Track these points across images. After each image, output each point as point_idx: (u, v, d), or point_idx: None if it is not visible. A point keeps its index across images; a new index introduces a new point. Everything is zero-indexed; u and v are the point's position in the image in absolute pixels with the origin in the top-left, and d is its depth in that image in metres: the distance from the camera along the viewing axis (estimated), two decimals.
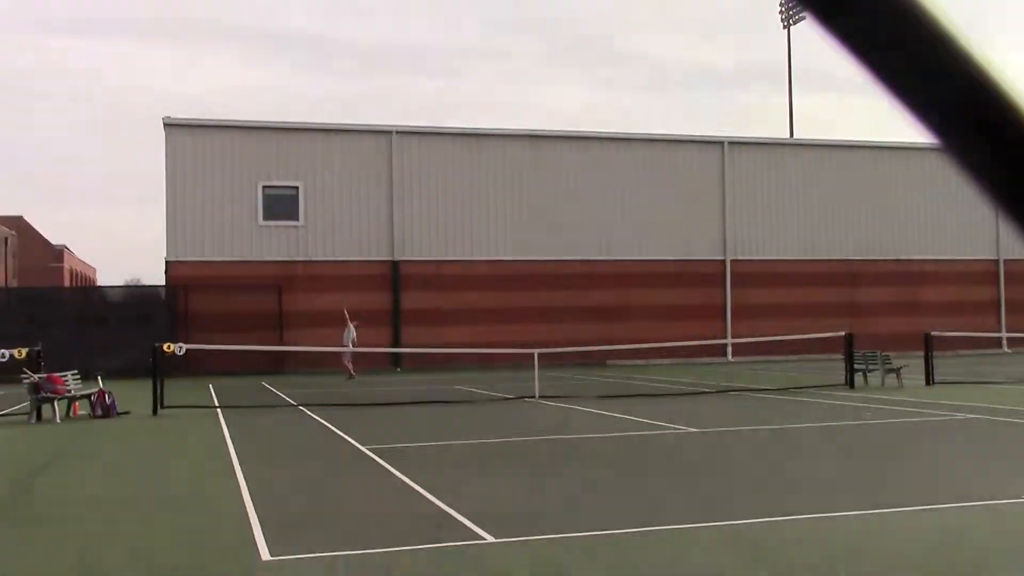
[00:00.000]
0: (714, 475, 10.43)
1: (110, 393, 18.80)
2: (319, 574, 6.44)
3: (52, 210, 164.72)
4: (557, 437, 14.17)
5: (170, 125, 35.94)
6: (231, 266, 35.79)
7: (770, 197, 41.55)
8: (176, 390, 22.33)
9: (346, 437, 14.26)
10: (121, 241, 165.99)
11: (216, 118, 37.12)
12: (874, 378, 23.61)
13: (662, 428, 14.88)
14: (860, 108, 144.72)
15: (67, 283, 74.97)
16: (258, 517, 8.28)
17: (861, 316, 40.83)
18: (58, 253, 79.32)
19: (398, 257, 37.39)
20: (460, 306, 37.49)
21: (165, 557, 7.03)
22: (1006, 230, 43.51)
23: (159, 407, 18.93)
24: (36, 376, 18.18)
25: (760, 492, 9.30)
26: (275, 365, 34.74)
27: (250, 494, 9.46)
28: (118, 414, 18.56)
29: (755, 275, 40.84)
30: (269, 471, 11.12)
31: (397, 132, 37.84)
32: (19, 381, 18.93)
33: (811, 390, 22.28)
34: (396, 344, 36.00)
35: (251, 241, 36.30)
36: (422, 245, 37.74)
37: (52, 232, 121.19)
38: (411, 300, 37.20)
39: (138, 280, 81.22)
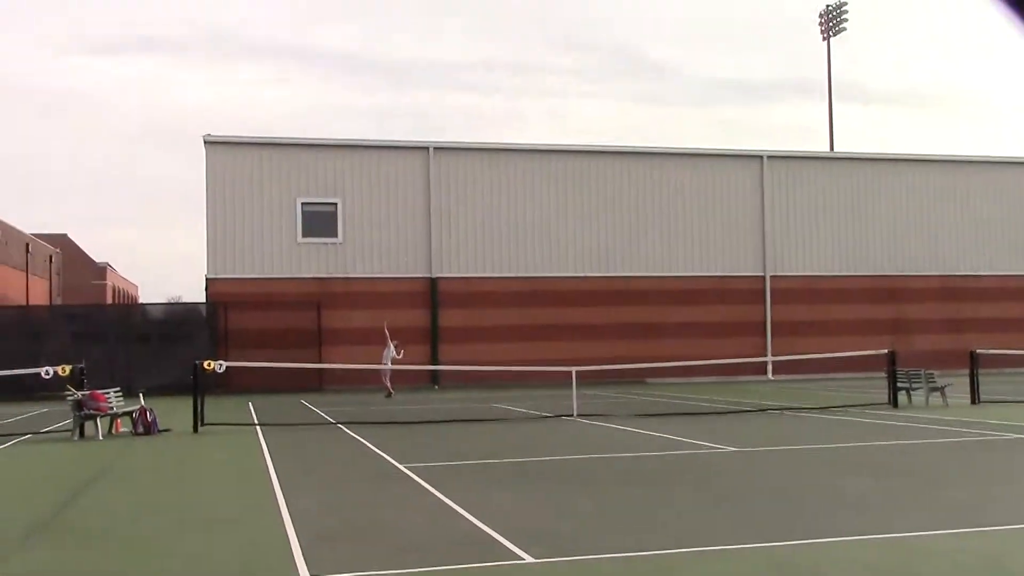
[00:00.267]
0: (753, 495, 10.30)
1: (152, 410, 18.97)
2: None
3: (96, 228, 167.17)
4: (595, 456, 14.08)
5: (210, 143, 36.38)
6: (270, 283, 36.09)
7: (810, 211, 41.19)
8: (216, 407, 22.50)
9: (384, 455, 14.27)
10: (163, 259, 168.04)
11: (255, 135, 37.53)
12: (918, 397, 23.25)
13: (701, 447, 14.74)
14: (900, 120, 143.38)
15: (110, 300, 75.95)
16: (297, 535, 8.29)
17: (904, 333, 40.26)
18: (101, 271, 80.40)
19: (436, 274, 37.49)
20: (498, 323, 37.49)
21: (206, 573, 7.04)
22: None
23: (200, 424, 19.07)
24: (79, 393, 18.38)
25: (800, 513, 9.16)
26: (313, 382, 34.94)
27: (289, 512, 9.48)
28: (159, 431, 18.72)
29: (796, 291, 40.48)
30: (308, 489, 11.14)
31: (434, 148, 38.02)
32: (63, 398, 19.16)
33: (853, 409, 21.98)
34: (434, 361, 36.05)
35: (290, 258, 36.58)
36: (460, 262, 37.82)
37: (95, 250, 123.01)
38: (449, 317, 37.26)
39: (179, 297, 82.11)
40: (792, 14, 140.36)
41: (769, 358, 38.04)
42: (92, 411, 18.19)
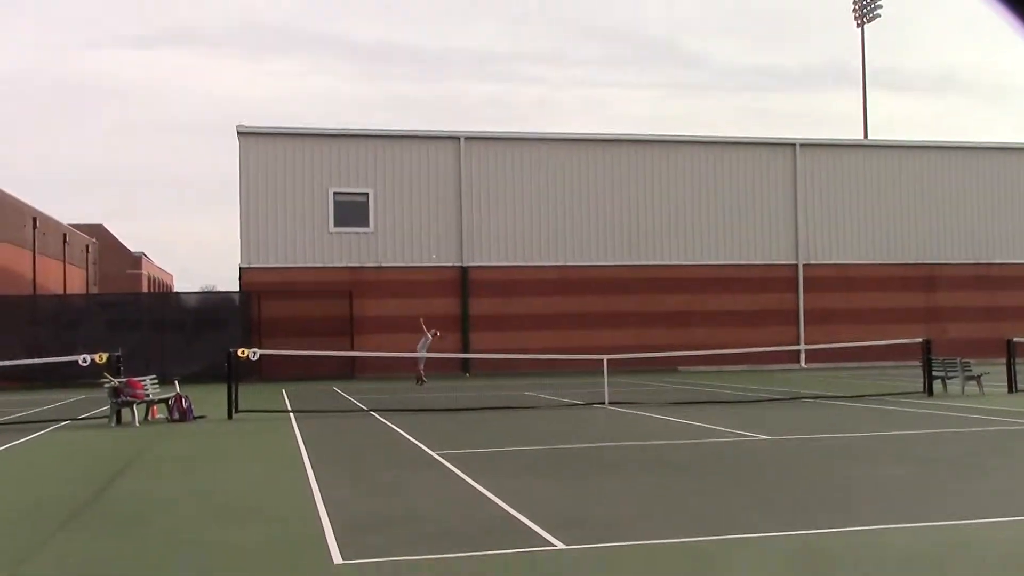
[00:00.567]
0: (785, 483, 10.25)
1: (187, 397, 19.17)
2: None
3: (131, 219, 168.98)
4: (627, 444, 14.07)
5: (243, 133, 36.61)
6: (303, 272, 36.32)
7: (843, 199, 40.81)
8: (250, 395, 22.70)
9: (416, 442, 14.34)
10: (197, 249, 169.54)
11: (288, 126, 37.72)
12: (953, 386, 23.02)
13: (733, 435, 14.68)
14: (936, 107, 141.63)
15: (145, 289, 76.75)
16: (330, 520, 8.36)
17: (939, 321, 39.86)
18: (136, 260, 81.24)
19: (467, 263, 37.54)
20: (529, 311, 37.52)
21: (239, 558, 7.12)
22: None
23: (234, 411, 19.25)
24: (116, 380, 18.62)
25: (833, 501, 9.11)
26: (346, 370, 35.17)
27: (322, 498, 9.56)
28: (194, 418, 18.93)
29: (829, 279, 40.16)
30: (341, 475, 11.22)
31: (465, 137, 38.03)
32: (100, 385, 19.40)
33: (887, 398, 21.80)
34: (465, 350, 36.14)
35: (322, 247, 36.79)
36: (491, 251, 37.85)
37: (131, 240, 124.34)
38: (480, 306, 37.32)
39: (213, 287, 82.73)
40: (826, 1, 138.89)
41: (802, 346, 37.80)
42: (129, 398, 18.41)
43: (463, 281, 37.43)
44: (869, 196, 41.01)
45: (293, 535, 7.92)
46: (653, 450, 13.25)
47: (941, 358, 23.55)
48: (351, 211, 37.10)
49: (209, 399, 21.56)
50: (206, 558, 7.20)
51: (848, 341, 33.69)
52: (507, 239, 38.06)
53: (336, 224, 36.92)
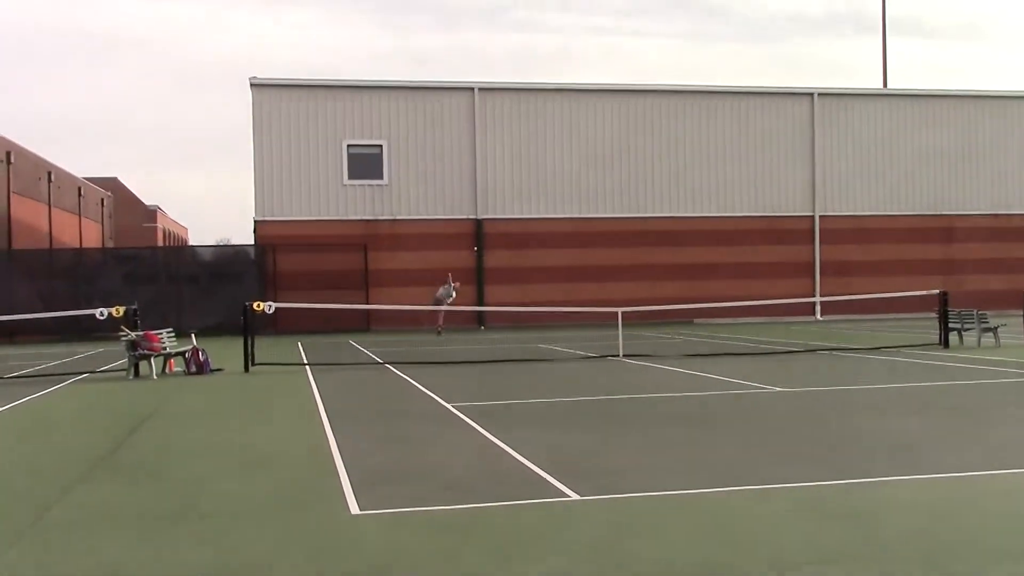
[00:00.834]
0: (800, 435, 10.28)
1: (203, 350, 19.31)
2: (406, 528, 6.54)
3: (146, 172, 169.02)
4: (641, 396, 14.12)
5: (256, 85, 36.44)
6: (317, 225, 36.34)
7: (861, 150, 40.43)
8: (266, 348, 22.85)
9: (432, 395, 14.43)
10: (212, 201, 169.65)
11: (301, 78, 37.52)
12: (970, 337, 22.95)
13: (748, 387, 14.71)
14: (957, 54, 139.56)
15: (160, 243, 77.03)
16: (346, 472, 8.44)
17: (956, 273, 39.67)
18: (151, 213, 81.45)
19: (482, 215, 37.47)
20: (544, 264, 37.50)
21: (257, 508, 7.21)
22: None
23: (250, 364, 19.39)
24: (133, 334, 18.75)
25: (847, 453, 9.13)
26: (361, 323, 35.33)
27: (339, 449, 9.65)
28: (211, 371, 19.07)
29: (845, 231, 39.94)
30: (357, 427, 11.31)
31: (479, 88, 37.76)
32: (117, 338, 19.55)
33: (903, 350, 21.77)
34: (480, 302, 36.21)
35: (336, 200, 36.76)
36: (506, 203, 37.75)
37: (145, 193, 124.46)
38: (495, 258, 37.32)
39: (228, 240, 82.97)
40: None
41: (818, 298, 37.71)
42: (146, 351, 18.56)
43: (478, 234, 37.39)
44: (887, 146, 40.61)
45: (310, 486, 8.01)
46: (667, 402, 13.29)
47: (957, 310, 23.47)
48: (365, 163, 37.01)
49: (225, 352, 21.71)
50: (225, 508, 7.29)
51: (864, 293, 33.59)
52: (522, 192, 37.92)
53: (350, 177, 36.85)
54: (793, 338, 26.98)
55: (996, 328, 22.22)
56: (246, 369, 19.24)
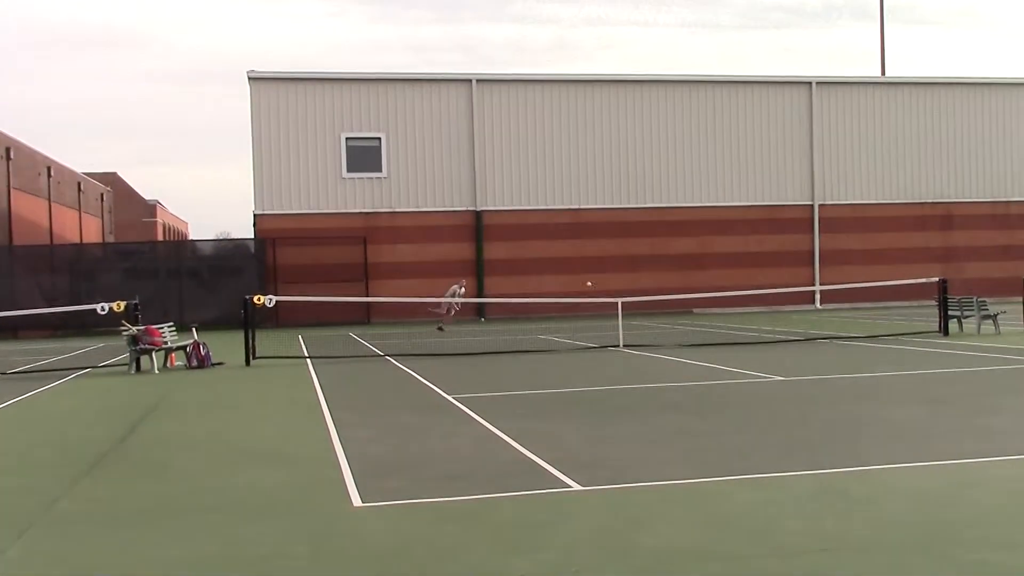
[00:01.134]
0: (801, 424, 10.32)
1: (205, 344, 19.35)
2: (409, 520, 6.58)
3: (145, 167, 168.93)
4: (642, 386, 14.16)
5: (255, 79, 36.41)
6: (316, 218, 36.36)
7: (860, 138, 40.41)
8: (267, 341, 22.89)
9: (433, 386, 14.46)
10: (212, 196, 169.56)
11: (299, 71, 37.48)
12: (969, 325, 22.99)
13: (748, 376, 14.75)
14: (955, 42, 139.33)
15: (160, 237, 76.98)
16: (348, 464, 8.49)
17: (955, 261, 39.70)
18: (151, 208, 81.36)
19: (481, 207, 37.48)
20: (543, 255, 37.52)
21: (261, 502, 7.25)
22: None
23: (251, 358, 19.43)
24: (134, 328, 18.79)
25: (848, 441, 9.17)
26: (361, 316, 35.37)
27: (341, 442, 9.69)
28: (212, 365, 19.11)
29: (844, 220, 39.94)
30: (359, 420, 11.35)
31: (477, 80, 37.73)
32: (119, 333, 19.58)
33: (903, 338, 21.80)
34: (479, 294, 36.24)
35: (336, 193, 36.76)
36: (505, 195, 37.75)
37: (145, 188, 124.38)
38: (494, 250, 37.33)
39: (228, 234, 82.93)
40: None
41: (817, 287, 37.74)
42: (147, 346, 18.60)
43: (477, 226, 37.40)
44: (885, 134, 40.58)
45: (313, 479, 8.05)
46: (667, 392, 13.33)
47: (957, 297, 23.50)
48: (364, 156, 37.00)
49: (227, 346, 21.74)
50: (228, 501, 7.33)
51: (864, 281, 33.61)
52: (520, 183, 37.92)
53: (349, 170, 36.84)
54: (793, 327, 27.02)
55: (996, 315, 22.25)
56: (247, 363, 19.28)
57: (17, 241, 39.72)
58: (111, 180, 72.39)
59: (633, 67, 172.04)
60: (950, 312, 22.64)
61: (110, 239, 62.09)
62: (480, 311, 37.02)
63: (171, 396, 14.52)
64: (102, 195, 62.97)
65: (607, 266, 37.62)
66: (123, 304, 19.90)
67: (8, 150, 41.70)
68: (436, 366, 17.93)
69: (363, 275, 35.78)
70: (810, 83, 40.13)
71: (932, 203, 40.76)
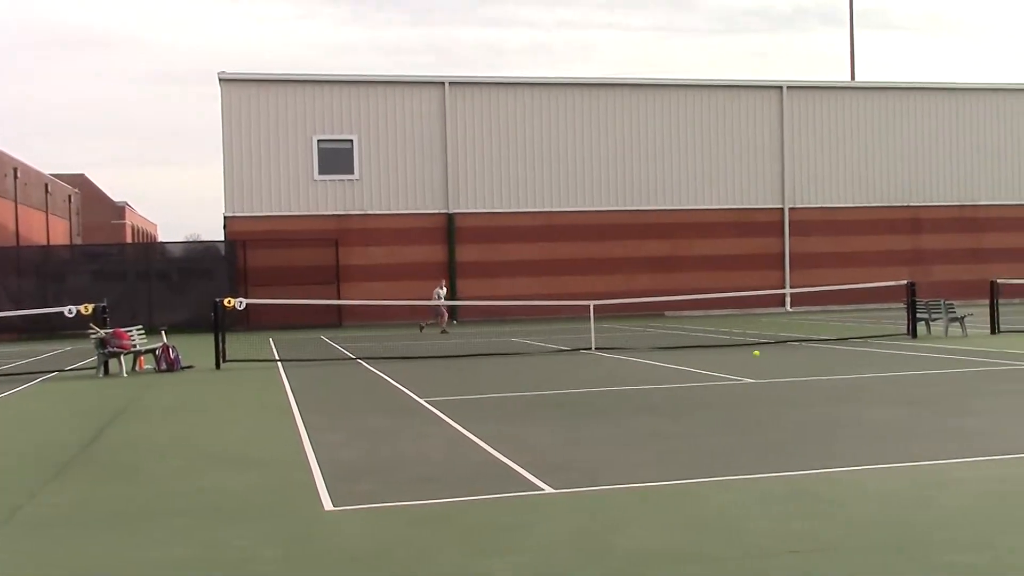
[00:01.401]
0: (773, 426, 10.36)
1: (174, 347, 19.18)
2: (380, 524, 6.54)
3: (114, 168, 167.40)
4: (614, 389, 14.18)
5: (225, 80, 36.18)
6: (288, 220, 36.17)
7: (830, 142, 40.74)
8: (237, 344, 22.72)
9: (404, 390, 14.41)
10: (182, 198, 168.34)
11: (270, 72, 37.28)
12: (937, 327, 23.21)
13: (719, 379, 14.81)
14: (923, 48, 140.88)
15: (129, 239, 76.29)
16: (320, 468, 8.43)
17: (924, 264, 40.12)
18: (120, 210, 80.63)
19: (453, 209, 37.43)
20: (516, 258, 37.53)
21: (231, 505, 7.18)
22: None
23: (221, 361, 19.28)
24: (103, 331, 18.59)
25: (819, 442, 9.22)
26: (333, 318, 35.22)
27: (312, 446, 9.63)
28: (182, 368, 18.95)
29: (814, 223, 40.24)
30: (330, 423, 11.29)
31: (450, 83, 37.69)
32: (87, 336, 19.37)
33: (872, 340, 21.99)
34: (452, 297, 36.19)
35: (307, 195, 36.59)
36: (477, 197, 37.72)
37: (114, 190, 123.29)
38: (467, 252, 37.29)
39: (198, 236, 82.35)
40: None
41: (788, 290, 37.99)
42: (116, 349, 18.41)
43: (449, 228, 37.35)
44: (855, 139, 40.93)
45: (284, 482, 7.99)
46: (640, 395, 13.35)
47: (925, 300, 23.73)
48: (336, 158, 36.86)
49: (196, 349, 21.57)
50: (199, 505, 7.26)
51: (833, 284, 33.88)
52: (493, 185, 37.91)
53: (321, 172, 36.68)
54: (764, 330, 27.17)
55: (963, 318, 22.49)
56: (217, 366, 19.13)
57: None
58: (79, 181, 71.68)
59: (607, 71, 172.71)
60: (918, 315, 22.86)
61: (78, 241, 61.46)
62: (452, 313, 36.95)
63: (140, 400, 14.37)
64: (70, 197, 62.33)
65: (579, 269, 37.68)
66: (91, 307, 19.70)
67: None
68: (408, 369, 17.88)
69: (335, 278, 35.63)
70: (781, 87, 40.42)
71: (901, 206, 41.14)
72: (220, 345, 19.39)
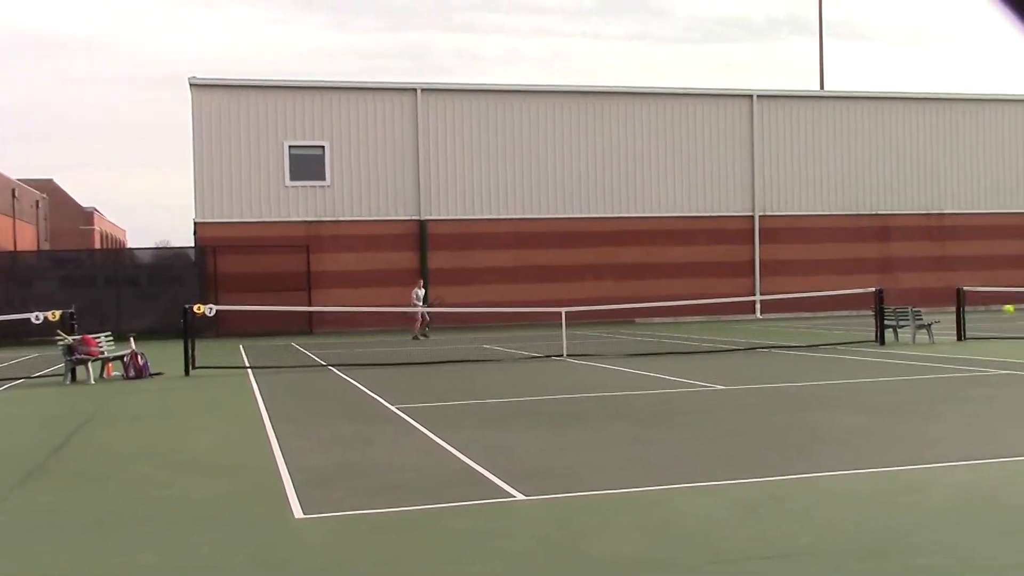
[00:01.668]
0: (744, 432, 10.41)
1: (142, 354, 18.99)
2: (351, 532, 6.50)
3: (82, 173, 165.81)
4: (586, 395, 14.19)
5: (196, 85, 35.95)
6: (259, 227, 35.97)
7: (800, 151, 41.07)
8: (207, 351, 22.55)
9: (376, 397, 14.36)
10: (151, 204, 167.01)
11: (242, 78, 37.09)
12: (905, 334, 23.43)
13: (691, 386, 14.86)
14: (891, 58, 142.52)
15: (98, 245, 75.60)
16: (290, 475, 8.37)
17: (892, 271, 40.50)
18: (88, 216, 79.91)
19: (425, 216, 37.37)
20: (488, 265, 37.52)
21: (200, 513, 7.11)
22: None
23: (191, 368, 19.12)
24: (70, 338, 18.39)
25: (790, 449, 9.28)
26: (303, 325, 35.03)
27: (282, 453, 9.56)
28: (151, 375, 18.77)
29: (784, 231, 40.53)
30: (300, 431, 11.21)
31: (422, 89, 37.66)
32: (54, 343, 19.15)
33: (840, 347, 22.15)
34: (424, 303, 36.06)
35: (278, 201, 36.41)
36: (449, 204, 37.69)
37: (82, 195, 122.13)
38: (439, 259, 37.24)
39: (167, 242, 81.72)
40: None
41: (757, 297, 38.21)
42: (83, 355, 18.21)
43: (421, 235, 37.29)
44: (824, 147, 41.30)
45: (253, 490, 7.92)
46: (612, 401, 13.37)
47: (893, 307, 23.94)
48: (307, 164, 36.70)
49: (165, 356, 21.38)
50: (166, 513, 7.18)
51: (803, 291, 34.13)
52: (465, 192, 37.89)
53: (292, 178, 36.52)
54: (734, 336, 27.31)
55: (930, 325, 22.72)
56: (186, 373, 18.97)
57: None
58: (47, 187, 70.99)
59: (581, 79, 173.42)
60: (886, 322, 23.06)
61: (45, 247, 60.83)
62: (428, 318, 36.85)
63: (108, 407, 14.22)
64: (37, 202, 61.70)
65: (551, 276, 37.73)
66: (58, 313, 19.48)
67: None
68: (379, 376, 17.81)
69: (306, 284, 35.46)
70: (751, 96, 40.71)
71: (869, 215, 41.54)
72: (190, 352, 19.23)
